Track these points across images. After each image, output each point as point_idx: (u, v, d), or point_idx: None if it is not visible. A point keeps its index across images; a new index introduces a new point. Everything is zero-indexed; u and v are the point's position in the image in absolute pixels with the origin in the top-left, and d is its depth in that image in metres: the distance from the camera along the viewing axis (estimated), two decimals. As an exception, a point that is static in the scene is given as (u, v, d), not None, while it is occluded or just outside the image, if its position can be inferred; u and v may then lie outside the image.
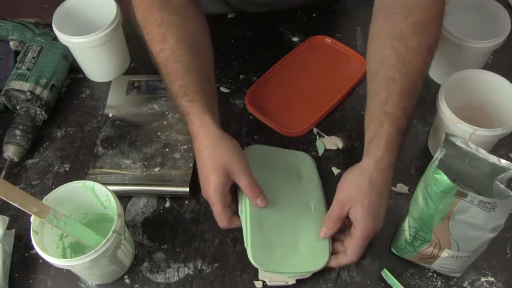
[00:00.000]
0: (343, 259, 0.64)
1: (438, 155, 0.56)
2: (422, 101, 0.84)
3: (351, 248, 0.63)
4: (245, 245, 0.64)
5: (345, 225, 0.66)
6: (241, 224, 0.66)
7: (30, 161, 0.80)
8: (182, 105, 0.67)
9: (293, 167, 0.74)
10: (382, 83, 0.66)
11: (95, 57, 0.85)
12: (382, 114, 0.64)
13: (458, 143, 0.57)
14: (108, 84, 0.88)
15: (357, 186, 0.63)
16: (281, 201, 0.68)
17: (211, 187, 0.63)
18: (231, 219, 0.65)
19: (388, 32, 0.67)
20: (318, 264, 0.65)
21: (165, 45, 0.68)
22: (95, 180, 0.70)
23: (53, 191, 0.63)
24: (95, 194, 0.65)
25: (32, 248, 0.62)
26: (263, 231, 0.65)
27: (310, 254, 0.65)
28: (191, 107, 0.66)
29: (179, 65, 0.67)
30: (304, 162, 0.76)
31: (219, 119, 0.68)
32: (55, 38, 0.85)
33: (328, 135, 0.81)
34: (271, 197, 0.66)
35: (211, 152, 0.64)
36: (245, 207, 0.66)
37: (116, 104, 0.84)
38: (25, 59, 0.84)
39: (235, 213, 0.67)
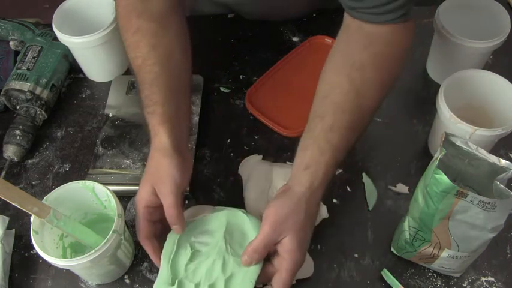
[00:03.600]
0: None
1: (438, 155, 0.56)
2: (422, 101, 0.84)
3: (281, 283, 0.58)
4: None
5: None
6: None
7: (30, 161, 0.80)
8: (144, 116, 0.65)
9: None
10: (330, 108, 0.62)
11: (95, 57, 0.85)
12: (324, 142, 0.60)
13: (458, 143, 0.57)
14: (108, 84, 0.88)
15: (293, 216, 0.59)
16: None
17: (138, 198, 0.63)
18: (148, 238, 0.62)
19: (348, 58, 0.64)
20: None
21: (138, 53, 0.66)
22: (95, 180, 0.70)
23: (53, 191, 0.63)
24: (95, 194, 0.65)
25: (32, 248, 0.62)
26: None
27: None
28: (150, 119, 0.64)
29: (148, 74, 0.65)
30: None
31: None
32: (55, 38, 0.85)
33: (328, 135, 0.81)
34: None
35: (150, 167, 0.63)
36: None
37: (116, 104, 0.84)
38: (25, 59, 0.84)
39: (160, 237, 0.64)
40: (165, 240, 0.63)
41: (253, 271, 0.60)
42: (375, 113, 0.65)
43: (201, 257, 0.62)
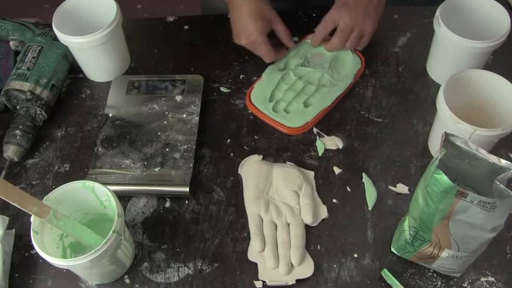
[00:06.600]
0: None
1: (438, 155, 0.56)
2: (422, 101, 0.84)
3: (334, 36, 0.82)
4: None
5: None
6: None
7: (30, 161, 0.80)
8: None
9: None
10: None
11: (95, 57, 0.85)
12: None
13: (458, 143, 0.57)
14: (108, 84, 0.88)
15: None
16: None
17: (257, 32, 0.81)
18: (275, 54, 0.85)
19: None
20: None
21: None
22: (95, 180, 0.70)
23: (53, 191, 0.63)
24: (95, 194, 0.65)
25: (32, 248, 0.62)
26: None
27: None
28: None
29: None
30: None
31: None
32: (55, 38, 0.85)
33: (328, 135, 0.81)
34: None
35: (254, 6, 0.81)
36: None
37: (116, 104, 0.84)
38: (25, 59, 0.84)
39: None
40: None
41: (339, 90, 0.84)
42: None
43: (308, 67, 0.87)
